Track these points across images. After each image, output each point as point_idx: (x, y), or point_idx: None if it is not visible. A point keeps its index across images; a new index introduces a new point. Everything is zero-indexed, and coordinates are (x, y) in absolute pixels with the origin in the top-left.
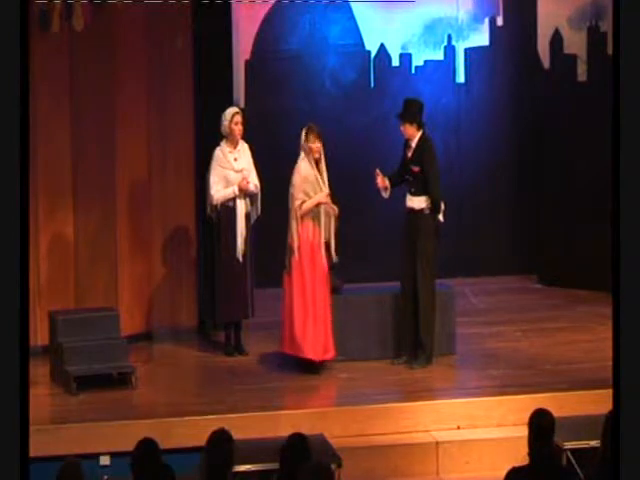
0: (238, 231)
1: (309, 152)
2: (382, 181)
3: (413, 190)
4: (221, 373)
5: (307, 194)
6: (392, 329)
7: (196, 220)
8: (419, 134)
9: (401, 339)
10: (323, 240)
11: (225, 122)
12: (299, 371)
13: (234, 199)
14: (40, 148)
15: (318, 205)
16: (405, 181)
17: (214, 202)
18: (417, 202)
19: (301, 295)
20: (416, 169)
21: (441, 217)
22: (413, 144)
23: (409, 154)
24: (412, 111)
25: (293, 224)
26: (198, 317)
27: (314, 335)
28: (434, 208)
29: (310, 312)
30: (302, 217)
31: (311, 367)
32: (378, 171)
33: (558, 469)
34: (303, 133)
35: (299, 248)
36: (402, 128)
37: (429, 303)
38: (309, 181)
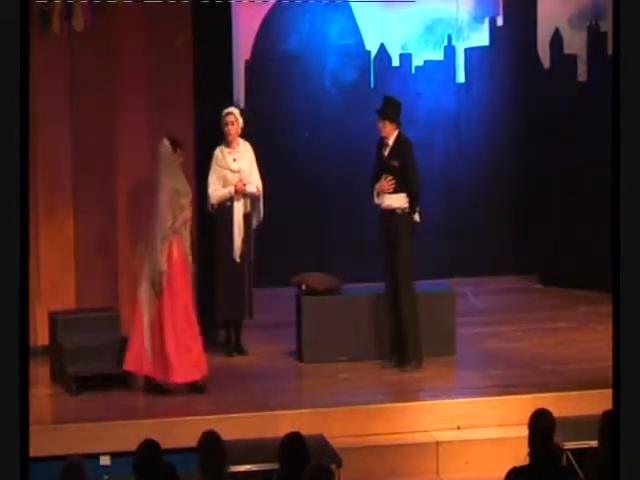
0: (235, 232)
1: (175, 165)
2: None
3: (391, 187)
4: (221, 373)
5: (175, 210)
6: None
7: (196, 220)
8: (396, 133)
9: (390, 341)
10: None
11: (221, 123)
12: (298, 372)
13: (231, 199)
14: (40, 148)
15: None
16: (383, 179)
17: (211, 202)
18: (395, 200)
19: (172, 317)
20: (395, 164)
21: (417, 217)
22: (390, 142)
23: (385, 152)
24: (393, 109)
25: (163, 244)
26: (198, 317)
27: (184, 359)
28: (412, 205)
29: (180, 334)
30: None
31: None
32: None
33: (558, 469)
34: (169, 146)
35: (170, 268)
36: (381, 125)
37: (411, 303)
38: (176, 197)
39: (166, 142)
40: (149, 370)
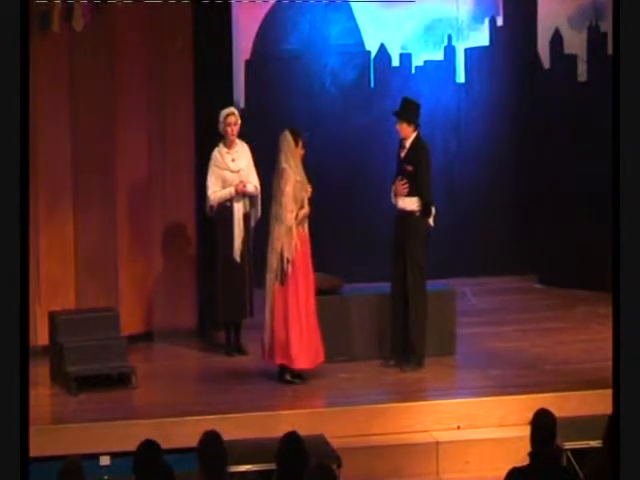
0: (235, 232)
1: (297, 158)
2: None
3: (405, 191)
4: (221, 373)
5: (297, 202)
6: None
7: (196, 220)
8: (414, 135)
9: (392, 341)
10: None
11: (220, 123)
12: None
13: (231, 200)
14: (40, 148)
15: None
16: (398, 181)
17: (211, 203)
18: (409, 203)
19: (296, 305)
20: (409, 168)
21: (431, 221)
22: (407, 144)
23: (402, 154)
24: (410, 111)
25: (288, 234)
26: (198, 317)
27: (308, 345)
28: (425, 211)
29: (304, 322)
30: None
31: (299, 375)
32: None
33: (558, 469)
34: (290, 138)
35: (294, 258)
36: (398, 127)
37: (420, 306)
38: (298, 189)
39: (288, 134)
40: (276, 359)
